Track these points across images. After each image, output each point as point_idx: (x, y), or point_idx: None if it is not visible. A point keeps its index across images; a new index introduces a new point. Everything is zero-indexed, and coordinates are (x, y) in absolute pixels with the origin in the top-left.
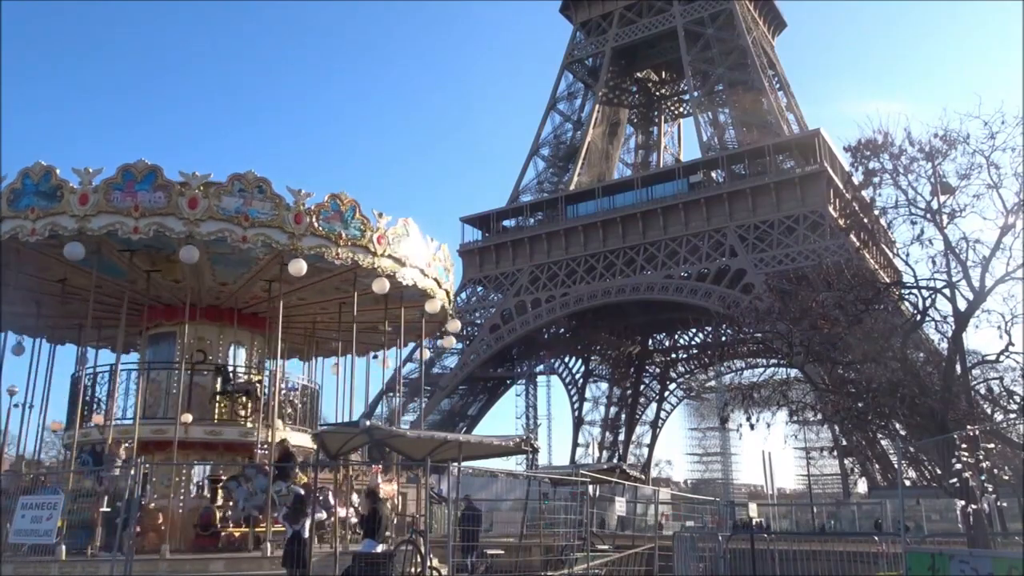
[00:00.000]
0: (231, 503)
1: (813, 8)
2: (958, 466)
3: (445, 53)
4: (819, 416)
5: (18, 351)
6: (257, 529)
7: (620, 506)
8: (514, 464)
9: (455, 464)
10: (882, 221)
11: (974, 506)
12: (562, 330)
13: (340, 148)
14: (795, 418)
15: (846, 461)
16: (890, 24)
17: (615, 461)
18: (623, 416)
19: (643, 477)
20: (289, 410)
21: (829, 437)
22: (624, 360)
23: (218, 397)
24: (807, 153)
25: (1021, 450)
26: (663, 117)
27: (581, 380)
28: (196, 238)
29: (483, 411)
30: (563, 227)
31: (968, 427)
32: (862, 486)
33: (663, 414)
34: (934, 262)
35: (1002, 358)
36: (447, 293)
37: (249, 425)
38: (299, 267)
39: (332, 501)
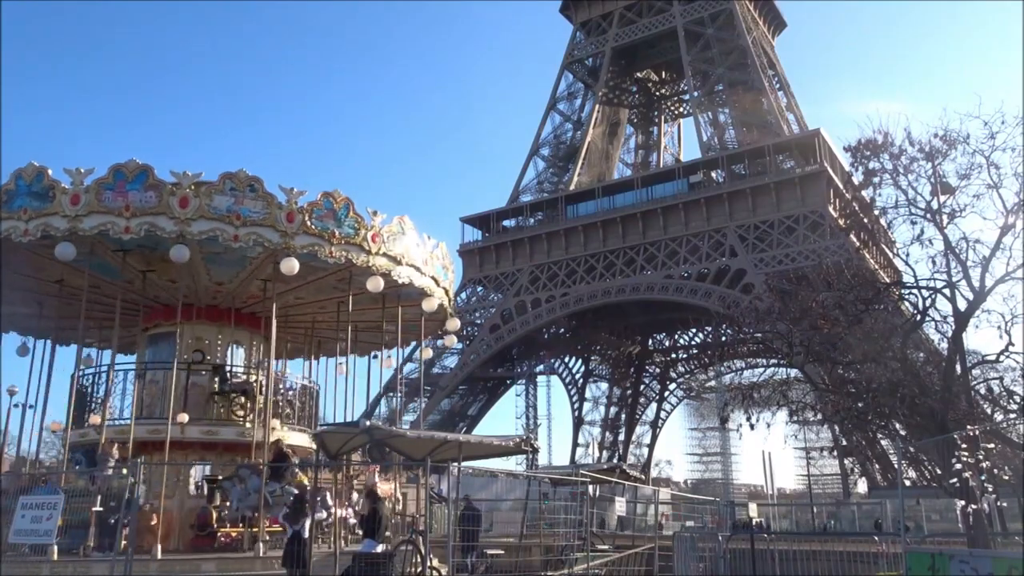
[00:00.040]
0: (227, 503)
1: (813, 8)
2: (958, 466)
3: (445, 53)
4: (819, 416)
5: (23, 352)
6: (253, 529)
7: (620, 506)
8: (514, 464)
9: (455, 464)
10: (882, 221)
11: (974, 506)
12: (562, 330)
13: (340, 148)
14: (795, 418)
15: (846, 461)
16: (890, 24)
17: (615, 461)
18: (623, 416)
19: (643, 477)
20: (288, 410)
21: (829, 437)
22: (624, 360)
23: (215, 397)
24: (807, 153)
25: (1021, 450)
26: (663, 117)
27: (581, 380)
28: (187, 237)
29: (483, 411)
30: (563, 227)
31: (968, 427)
32: (862, 486)
33: (663, 414)
34: (934, 262)
35: (1002, 358)
36: (446, 292)
37: (247, 425)
38: (291, 266)
39: (330, 502)
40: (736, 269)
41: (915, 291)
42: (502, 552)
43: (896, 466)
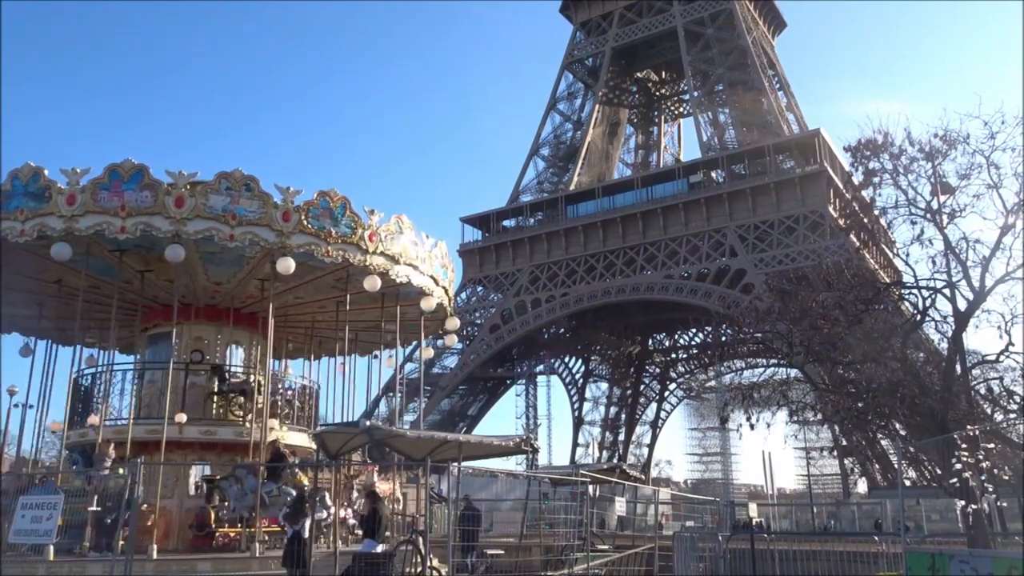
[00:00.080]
0: (226, 503)
1: (813, 8)
2: (958, 466)
3: (445, 53)
4: (819, 416)
5: (25, 352)
6: (251, 529)
7: (620, 506)
8: (514, 464)
9: (455, 464)
10: (882, 221)
11: (974, 506)
12: (562, 330)
13: (340, 148)
14: (795, 418)
15: (846, 461)
16: (890, 24)
17: (615, 461)
18: (623, 416)
19: (643, 477)
20: (287, 410)
21: (829, 437)
22: (624, 360)
23: (214, 397)
24: (807, 153)
25: (1021, 450)
26: (663, 117)
27: (581, 380)
28: (183, 237)
29: (483, 411)
30: (563, 227)
31: (968, 427)
32: (862, 486)
33: (663, 414)
34: (934, 262)
35: (1002, 358)
36: (445, 291)
37: (246, 425)
38: (287, 265)
39: (328, 502)
40: (736, 269)
41: (915, 291)
42: (502, 552)
43: (896, 466)
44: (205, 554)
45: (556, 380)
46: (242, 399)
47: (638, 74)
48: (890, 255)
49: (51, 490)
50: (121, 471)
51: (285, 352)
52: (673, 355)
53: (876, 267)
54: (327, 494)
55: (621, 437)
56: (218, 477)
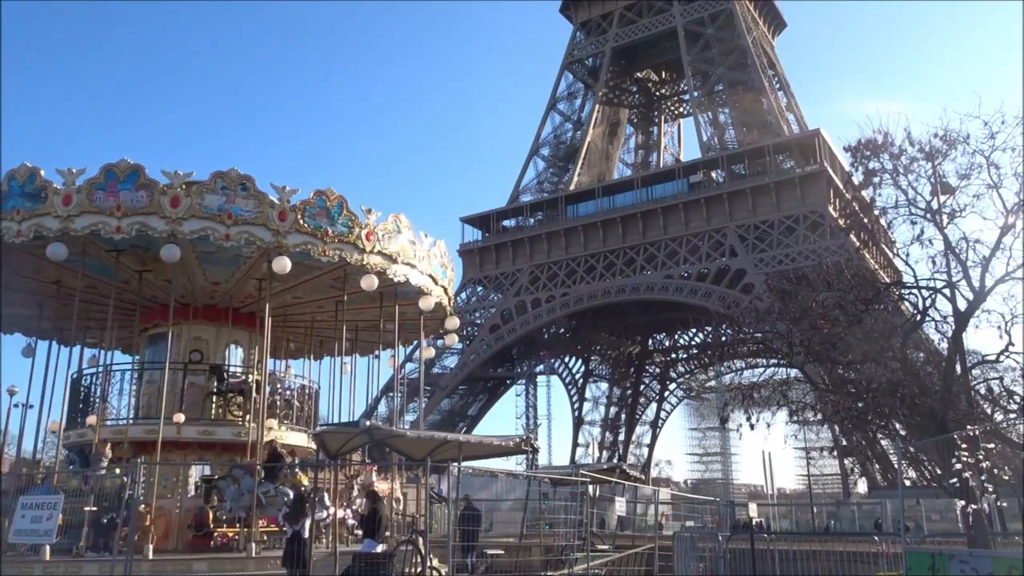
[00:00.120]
0: (223, 503)
1: (813, 8)
2: (958, 466)
3: (445, 53)
4: (819, 416)
5: (28, 352)
6: (250, 529)
7: (620, 506)
8: (514, 464)
9: (455, 464)
10: (882, 221)
11: (974, 506)
12: (562, 330)
13: (340, 148)
14: (795, 418)
15: (846, 461)
16: (890, 24)
17: (615, 461)
18: (623, 416)
19: (643, 477)
20: (286, 410)
21: (829, 437)
22: (624, 360)
23: (213, 397)
24: (807, 153)
25: (1021, 450)
26: (663, 117)
27: (581, 380)
28: (179, 237)
29: (483, 411)
30: (563, 227)
31: (968, 427)
32: (862, 486)
33: (663, 414)
34: (934, 262)
35: (1002, 358)
36: (444, 290)
37: (244, 425)
38: (283, 264)
39: (327, 502)
40: (736, 269)
41: (915, 291)
42: (502, 552)
43: (896, 466)
44: (203, 554)
45: (556, 380)
46: (241, 399)
47: (638, 74)
48: (890, 255)
49: (51, 490)
50: (117, 471)
51: (286, 352)
52: (673, 355)
53: (876, 267)
54: (326, 494)
55: (621, 437)
56: (216, 477)
